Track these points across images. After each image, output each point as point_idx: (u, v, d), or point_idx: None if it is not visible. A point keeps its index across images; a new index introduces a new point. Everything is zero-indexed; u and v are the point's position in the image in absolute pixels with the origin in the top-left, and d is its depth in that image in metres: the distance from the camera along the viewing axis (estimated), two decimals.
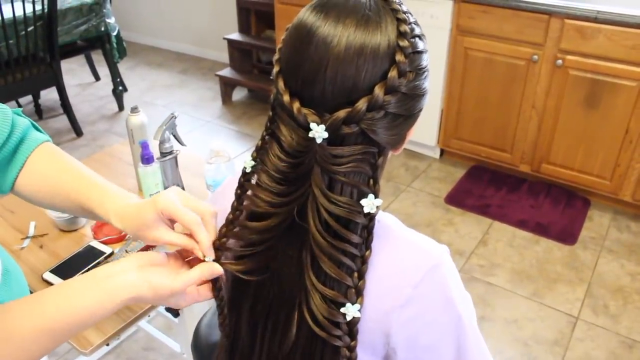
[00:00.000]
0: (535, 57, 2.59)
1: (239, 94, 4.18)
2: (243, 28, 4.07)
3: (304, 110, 0.62)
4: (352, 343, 0.67)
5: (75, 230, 1.49)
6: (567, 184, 2.84)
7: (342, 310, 0.66)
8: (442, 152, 3.26)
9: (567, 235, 2.59)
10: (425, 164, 3.19)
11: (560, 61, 2.52)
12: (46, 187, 0.83)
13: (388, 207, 2.79)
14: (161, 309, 1.60)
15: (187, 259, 0.74)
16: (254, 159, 0.70)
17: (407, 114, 0.65)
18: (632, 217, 2.72)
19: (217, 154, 1.48)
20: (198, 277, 0.69)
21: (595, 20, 2.37)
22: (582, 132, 2.62)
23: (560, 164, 2.76)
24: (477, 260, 2.45)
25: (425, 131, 3.14)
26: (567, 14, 2.43)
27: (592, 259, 2.45)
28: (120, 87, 3.96)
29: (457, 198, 2.86)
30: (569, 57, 2.50)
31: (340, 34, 0.60)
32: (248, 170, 0.71)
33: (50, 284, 1.30)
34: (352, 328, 0.66)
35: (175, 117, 1.46)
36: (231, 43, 3.98)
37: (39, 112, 3.85)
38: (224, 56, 4.53)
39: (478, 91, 2.86)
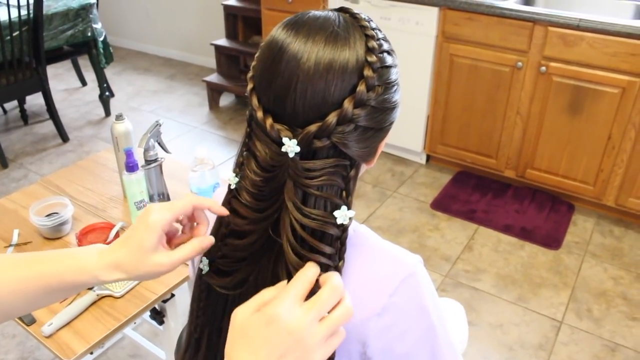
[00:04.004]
0: (520, 63, 2.62)
1: (226, 100, 4.18)
2: (230, 34, 4.08)
3: (277, 126, 0.63)
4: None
5: (60, 238, 1.48)
6: (551, 189, 2.87)
7: None
8: (428, 157, 3.28)
9: (552, 240, 2.61)
10: (412, 170, 3.21)
11: (544, 68, 2.55)
12: None
13: (374, 213, 2.81)
14: (146, 316, 1.59)
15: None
16: (236, 175, 0.71)
17: (377, 127, 0.67)
18: (615, 221, 2.75)
19: (201, 162, 1.48)
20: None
21: (577, 27, 2.41)
22: (566, 138, 2.65)
23: (545, 170, 2.79)
24: (462, 265, 2.47)
25: (411, 137, 3.16)
26: (551, 21, 2.46)
27: (576, 264, 2.48)
28: (107, 93, 3.94)
29: (443, 203, 2.88)
30: (553, 64, 2.54)
31: (309, 50, 0.62)
32: (233, 186, 0.71)
33: None
34: None
35: (160, 125, 1.46)
36: (218, 49, 3.98)
37: (24, 118, 3.82)
38: (211, 62, 4.54)
39: (463, 97, 2.88)
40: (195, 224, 0.74)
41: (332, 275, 0.60)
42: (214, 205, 0.71)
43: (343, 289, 0.59)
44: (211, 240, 0.71)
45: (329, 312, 0.58)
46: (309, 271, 0.60)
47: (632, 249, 2.57)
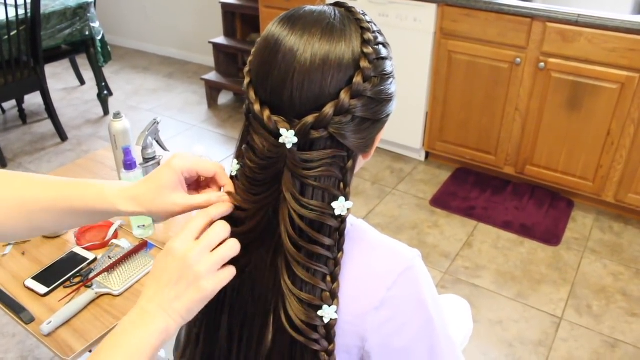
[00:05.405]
0: (518, 60, 2.62)
1: (224, 98, 4.18)
2: (228, 32, 4.07)
3: (274, 118, 0.64)
4: (330, 347, 0.68)
5: (58, 236, 1.48)
6: (550, 185, 2.86)
7: (319, 313, 0.66)
8: (427, 154, 3.28)
9: (551, 236, 2.61)
10: (411, 167, 3.20)
11: (542, 64, 2.55)
12: (10, 210, 0.73)
13: (373, 210, 2.80)
14: None
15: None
16: (238, 163, 0.72)
17: (374, 118, 0.67)
18: (614, 217, 2.75)
19: None
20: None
21: (576, 23, 2.40)
22: (565, 134, 2.65)
23: (544, 166, 2.79)
24: (462, 262, 2.47)
25: (410, 134, 3.16)
26: (549, 17, 2.46)
27: (575, 260, 2.48)
28: (106, 92, 3.94)
29: (442, 200, 2.88)
30: (551, 59, 2.53)
31: (306, 43, 0.62)
32: (234, 173, 0.72)
33: (32, 290, 1.29)
34: (329, 331, 0.67)
35: (158, 123, 1.46)
36: (216, 47, 3.98)
37: (23, 117, 3.82)
38: (209, 60, 4.53)
39: (462, 94, 2.88)
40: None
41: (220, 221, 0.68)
42: (229, 185, 0.73)
43: (229, 228, 0.67)
44: (227, 198, 0.73)
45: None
46: (200, 214, 0.68)
47: (631, 245, 2.57)
